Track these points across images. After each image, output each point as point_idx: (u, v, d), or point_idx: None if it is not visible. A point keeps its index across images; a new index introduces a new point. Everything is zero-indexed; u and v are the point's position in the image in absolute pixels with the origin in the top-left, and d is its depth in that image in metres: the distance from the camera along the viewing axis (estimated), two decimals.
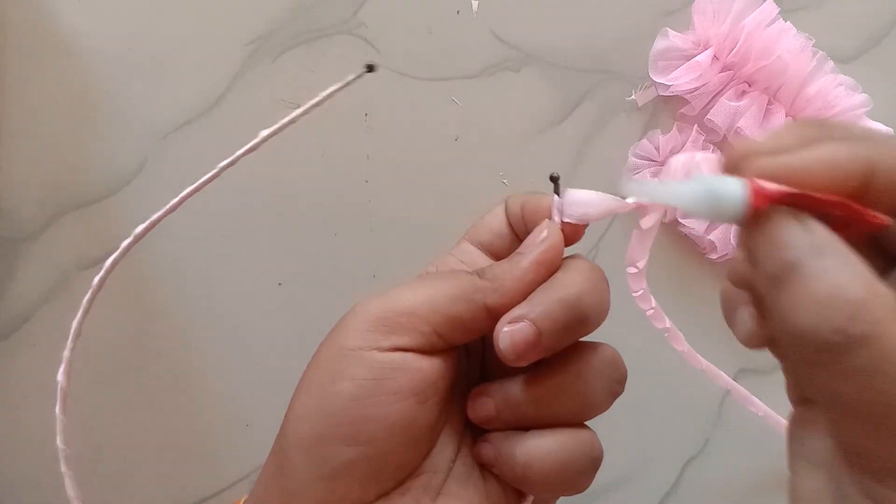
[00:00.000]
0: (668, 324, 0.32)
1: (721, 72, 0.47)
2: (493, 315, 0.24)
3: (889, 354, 0.15)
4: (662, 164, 0.48)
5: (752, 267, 0.18)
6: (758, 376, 0.49)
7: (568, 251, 0.26)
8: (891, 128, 0.47)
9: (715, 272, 0.49)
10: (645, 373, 0.47)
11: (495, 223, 0.28)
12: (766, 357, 0.21)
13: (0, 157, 0.48)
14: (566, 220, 0.26)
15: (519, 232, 0.28)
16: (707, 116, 0.47)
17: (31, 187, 0.48)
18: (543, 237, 0.25)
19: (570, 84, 0.49)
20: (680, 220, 0.47)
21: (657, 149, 0.48)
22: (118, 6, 0.48)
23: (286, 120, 0.26)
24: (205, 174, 0.26)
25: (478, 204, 0.29)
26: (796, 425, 0.21)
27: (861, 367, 0.16)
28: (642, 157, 0.48)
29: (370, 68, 0.26)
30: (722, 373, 0.42)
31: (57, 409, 0.25)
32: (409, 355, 0.24)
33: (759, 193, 0.17)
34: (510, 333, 0.24)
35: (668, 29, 0.47)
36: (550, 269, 0.25)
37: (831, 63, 0.47)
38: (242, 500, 0.28)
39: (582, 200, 0.25)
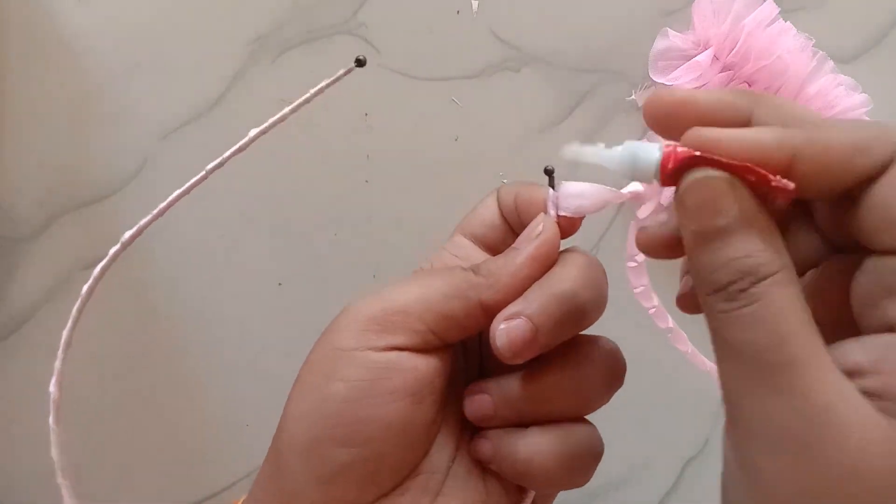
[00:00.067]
0: (671, 323, 0.32)
1: (721, 72, 0.47)
2: (489, 312, 0.24)
3: (766, 315, 0.18)
4: None
5: (681, 224, 0.20)
6: None
7: (567, 243, 0.26)
8: None
9: None
10: (645, 372, 0.47)
11: (488, 215, 0.27)
12: None
13: (0, 157, 0.48)
14: (562, 213, 0.25)
15: (512, 223, 0.27)
16: None
17: (31, 187, 0.48)
18: (538, 232, 0.25)
19: (570, 84, 0.49)
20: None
21: None
22: (118, 6, 0.48)
23: (275, 118, 0.25)
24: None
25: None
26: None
27: (750, 314, 0.18)
28: None
29: (359, 63, 0.25)
30: None
31: (50, 419, 0.25)
32: (404, 354, 0.24)
33: (672, 157, 0.20)
34: (506, 331, 0.23)
35: (668, 29, 0.47)
36: (546, 263, 0.25)
37: (831, 63, 0.47)
38: (241, 500, 0.28)
39: (577, 193, 0.25)
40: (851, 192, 0.19)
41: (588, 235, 0.49)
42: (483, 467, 0.26)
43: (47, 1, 0.48)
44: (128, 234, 0.25)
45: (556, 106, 0.49)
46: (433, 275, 0.25)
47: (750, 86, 0.47)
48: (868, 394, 0.18)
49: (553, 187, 0.25)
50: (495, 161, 0.49)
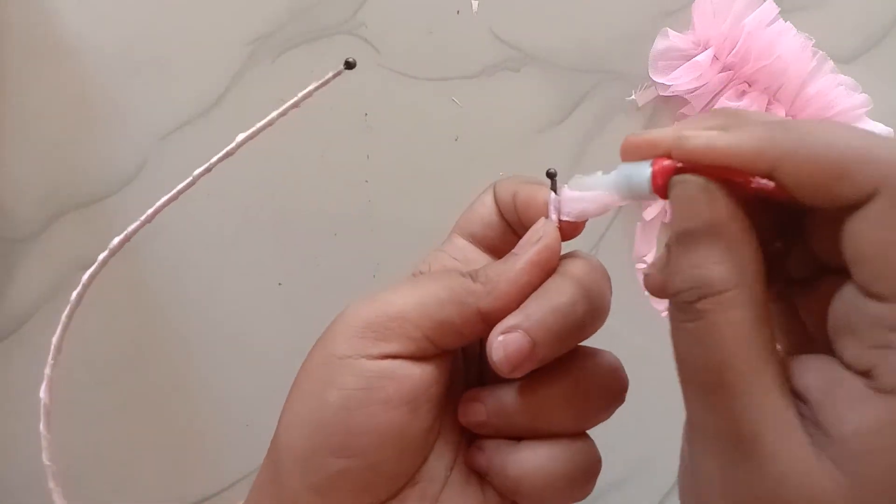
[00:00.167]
0: None
1: (721, 72, 0.47)
2: (487, 319, 0.23)
3: (704, 336, 0.18)
4: None
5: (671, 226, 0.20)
6: None
7: (569, 246, 0.25)
8: (891, 128, 0.47)
9: None
10: (646, 372, 0.47)
11: (485, 213, 0.27)
12: None
13: (0, 157, 0.48)
14: (564, 218, 0.25)
15: (511, 222, 0.26)
16: None
17: (31, 187, 0.48)
18: (539, 237, 0.24)
19: (570, 84, 0.49)
20: None
21: None
22: (118, 7, 0.48)
23: (262, 123, 0.25)
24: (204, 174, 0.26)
25: None
26: None
27: (693, 331, 0.19)
28: None
29: (349, 65, 0.25)
30: None
31: (41, 426, 0.24)
32: (399, 362, 0.23)
33: (660, 172, 0.20)
34: (503, 345, 0.23)
35: (668, 29, 0.47)
36: (547, 269, 0.24)
37: (831, 63, 0.47)
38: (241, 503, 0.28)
39: (579, 196, 0.24)
40: (835, 212, 0.18)
41: (588, 235, 0.49)
42: (482, 476, 0.25)
43: (47, 1, 0.48)
44: (116, 239, 0.25)
45: (556, 106, 0.49)
46: (430, 280, 0.25)
47: (750, 86, 0.47)
48: (806, 421, 0.18)
49: (555, 191, 0.25)
50: (495, 161, 0.49)
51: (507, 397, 0.24)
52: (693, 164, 0.20)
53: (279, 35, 0.48)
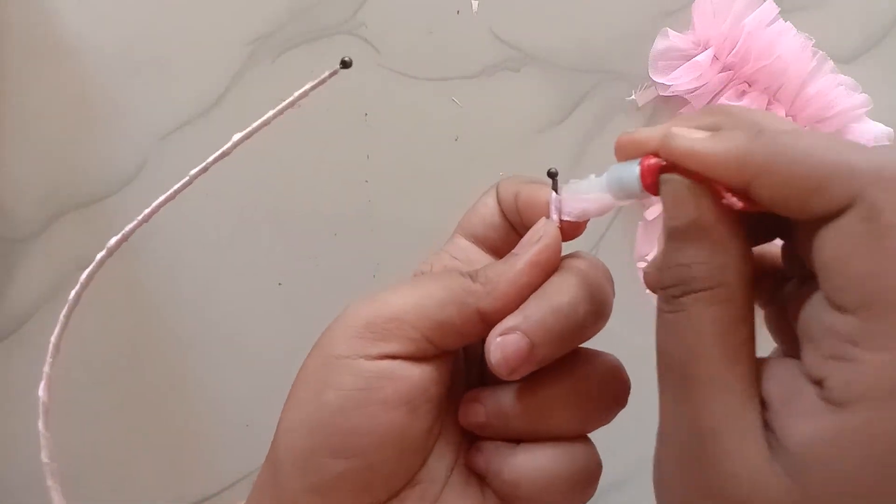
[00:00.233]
0: None
1: (721, 72, 0.47)
2: (487, 320, 0.23)
3: (682, 328, 0.19)
4: None
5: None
6: None
7: (570, 246, 0.25)
8: (891, 128, 0.47)
9: None
10: (646, 373, 0.47)
11: (487, 214, 0.26)
12: None
13: (0, 157, 0.48)
14: (565, 218, 0.24)
15: (514, 222, 0.26)
16: None
17: (31, 187, 0.48)
18: (539, 237, 0.24)
19: (570, 84, 0.49)
20: None
21: None
22: (118, 7, 0.48)
23: (258, 123, 0.25)
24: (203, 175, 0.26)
25: None
26: None
27: (672, 322, 0.20)
28: None
29: (344, 64, 0.25)
30: None
31: (40, 424, 0.24)
32: (398, 363, 0.23)
33: (647, 171, 0.21)
34: (501, 346, 0.22)
35: (668, 29, 0.47)
36: (547, 270, 0.24)
37: (831, 63, 0.47)
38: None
39: (580, 196, 0.24)
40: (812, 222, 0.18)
41: (588, 236, 0.49)
42: (482, 478, 0.25)
43: (47, 1, 0.48)
44: (113, 239, 0.25)
45: (556, 106, 0.49)
46: (430, 280, 0.24)
47: (750, 86, 0.47)
48: (768, 426, 0.18)
49: (556, 190, 0.24)
50: (495, 161, 0.49)
51: (506, 399, 0.24)
52: (676, 165, 0.20)
53: (279, 35, 0.48)
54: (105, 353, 0.49)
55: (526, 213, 0.25)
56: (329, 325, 0.24)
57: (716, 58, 0.47)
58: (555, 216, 0.25)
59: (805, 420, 0.17)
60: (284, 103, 0.25)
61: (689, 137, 0.20)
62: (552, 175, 0.25)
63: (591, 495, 0.25)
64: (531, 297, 0.23)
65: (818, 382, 0.17)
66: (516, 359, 0.22)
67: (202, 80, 0.48)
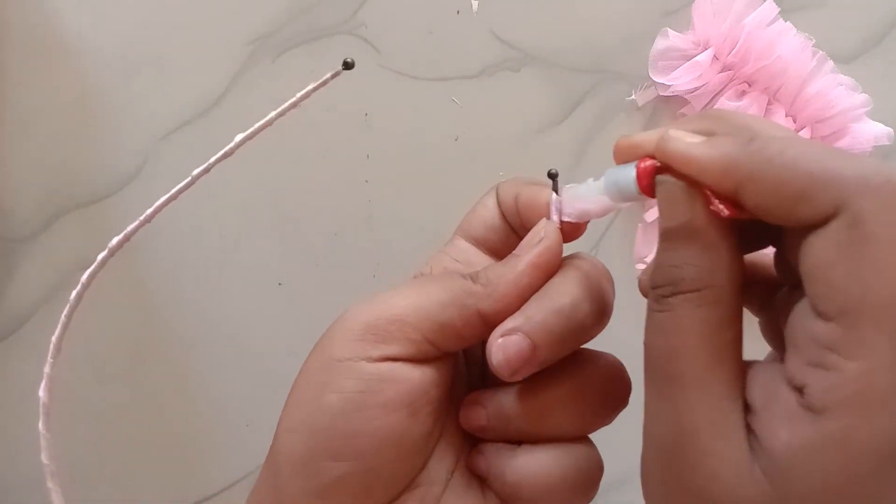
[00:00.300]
0: None
1: (721, 72, 0.47)
2: (488, 321, 0.23)
3: (669, 327, 0.19)
4: None
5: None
6: None
7: (571, 247, 0.25)
8: (891, 128, 0.47)
9: None
10: None
11: (487, 215, 0.26)
12: None
13: (0, 157, 0.48)
14: (565, 219, 0.24)
15: (514, 224, 0.26)
16: None
17: (31, 187, 0.48)
18: (540, 238, 0.24)
19: (570, 84, 0.49)
20: None
21: None
22: (118, 6, 0.48)
23: (261, 123, 0.25)
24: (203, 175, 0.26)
25: None
26: None
27: (659, 321, 0.20)
28: None
29: (347, 66, 0.24)
30: None
31: (40, 425, 0.24)
32: (398, 365, 0.23)
33: (643, 173, 0.21)
34: (503, 347, 0.22)
35: (668, 29, 0.47)
36: (548, 271, 0.24)
37: (831, 63, 0.47)
38: None
39: (580, 197, 0.24)
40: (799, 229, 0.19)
41: (588, 236, 0.49)
42: (483, 480, 0.25)
43: (47, 1, 0.48)
44: (115, 239, 0.25)
45: (556, 106, 0.49)
46: (431, 282, 0.24)
47: (750, 86, 0.47)
48: (750, 428, 0.18)
49: (556, 191, 0.24)
50: (495, 161, 0.49)
51: (507, 401, 0.24)
52: (671, 168, 0.20)
53: (279, 35, 0.48)
54: (105, 353, 0.49)
55: (526, 214, 0.25)
56: (329, 328, 0.24)
57: (716, 58, 0.47)
58: (555, 217, 0.24)
59: (785, 425, 0.17)
60: (287, 104, 0.25)
61: (683, 141, 0.20)
62: (552, 176, 0.25)
63: (593, 496, 0.25)
64: (532, 298, 0.23)
65: (799, 389, 0.18)
66: (518, 360, 0.22)
67: (202, 80, 0.48)
